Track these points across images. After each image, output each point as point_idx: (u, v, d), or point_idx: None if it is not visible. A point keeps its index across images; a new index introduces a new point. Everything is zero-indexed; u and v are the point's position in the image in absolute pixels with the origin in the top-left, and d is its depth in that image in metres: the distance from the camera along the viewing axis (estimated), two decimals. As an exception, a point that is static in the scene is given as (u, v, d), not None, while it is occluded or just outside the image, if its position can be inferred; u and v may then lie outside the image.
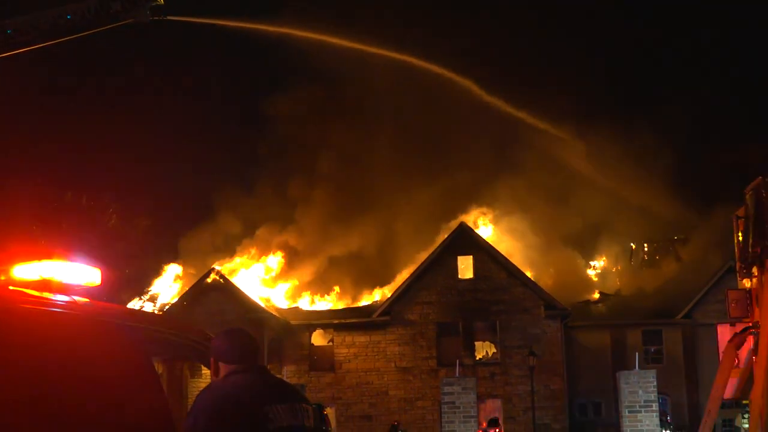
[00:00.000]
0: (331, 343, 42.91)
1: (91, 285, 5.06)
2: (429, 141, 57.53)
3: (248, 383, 4.59)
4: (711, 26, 70.48)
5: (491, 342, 42.31)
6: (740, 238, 18.95)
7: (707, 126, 60.49)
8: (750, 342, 18.20)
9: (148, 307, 38.99)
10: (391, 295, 43.46)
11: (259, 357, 4.85)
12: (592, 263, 58.67)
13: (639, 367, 19.23)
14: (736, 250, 19.51)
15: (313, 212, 54.13)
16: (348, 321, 42.84)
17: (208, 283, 42.43)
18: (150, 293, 41.45)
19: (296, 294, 49.74)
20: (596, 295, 50.38)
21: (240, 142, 74.65)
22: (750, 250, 17.96)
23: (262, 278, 49.82)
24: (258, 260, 50.72)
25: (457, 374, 20.49)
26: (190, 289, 43.07)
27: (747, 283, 18.91)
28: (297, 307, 46.87)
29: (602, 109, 62.87)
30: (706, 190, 54.50)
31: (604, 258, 59.08)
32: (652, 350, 43.72)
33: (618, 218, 56.70)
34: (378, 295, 48.99)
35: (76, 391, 4.51)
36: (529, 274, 44.19)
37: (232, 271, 47.52)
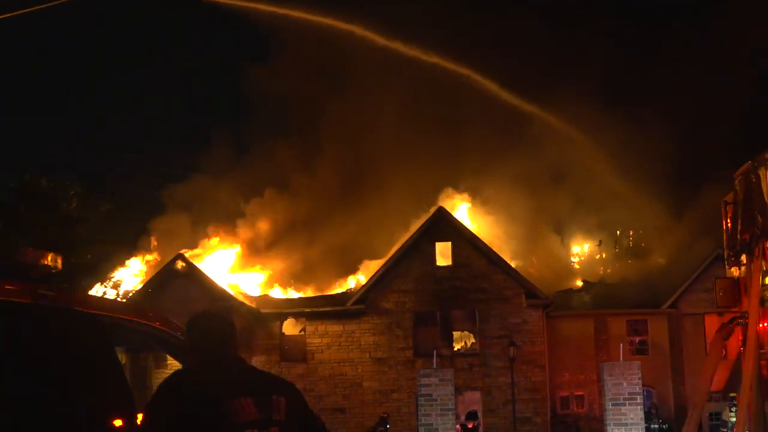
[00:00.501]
0: (302, 333, 42.88)
1: (51, 271, 5.03)
2: (420, 126, 57.79)
3: (213, 373, 4.49)
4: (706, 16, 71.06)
5: (470, 332, 42.43)
6: (729, 225, 19.01)
7: (696, 110, 60.75)
8: (738, 333, 18.31)
9: (111, 294, 38.80)
10: (366, 283, 43.45)
11: (231, 344, 4.71)
12: (575, 250, 58.93)
13: (623, 358, 19.30)
14: (724, 237, 19.58)
15: (293, 196, 54.24)
16: (321, 309, 42.81)
17: (174, 269, 42.31)
18: (113, 280, 41.27)
19: (270, 282, 49.72)
20: (579, 284, 50.62)
21: (222, 123, 74.96)
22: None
23: (233, 265, 49.73)
24: (229, 246, 50.62)
25: (434, 365, 20.52)
26: (156, 275, 42.94)
27: (735, 272, 19.01)
28: (267, 295, 46.83)
29: (593, 94, 63.20)
30: (693, 175, 54.83)
31: (588, 245, 59.34)
32: (637, 341, 44.00)
33: (604, 204, 57.00)
34: (353, 282, 49.03)
35: (35, 381, 4.48)
36: (510, 261, 44.30)
37: (199, 257, 47.40)
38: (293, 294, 48.38)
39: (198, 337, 4.66)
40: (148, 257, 49.14)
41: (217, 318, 4.77)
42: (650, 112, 57.57)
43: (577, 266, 56.32)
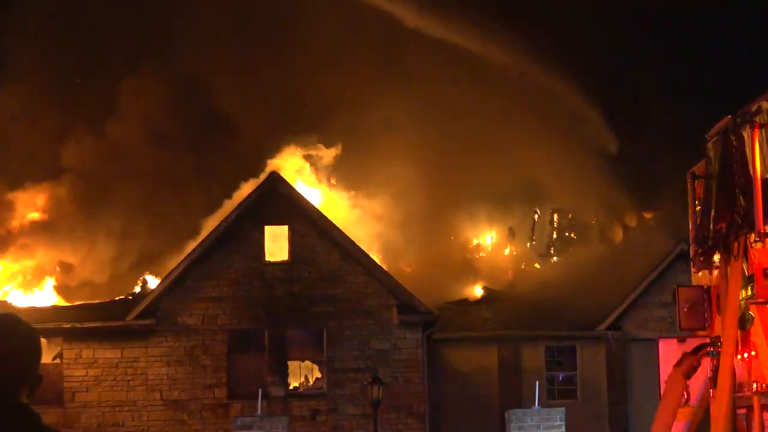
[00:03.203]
0: (58, 360, 42.37)
1: None
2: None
3: None
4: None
5: (314, 362, 42.60)
6: (697, 209, 19.36)
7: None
8: (706, 367, 18.71)
9: None
10: (158, 286, 43.18)
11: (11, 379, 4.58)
12: (475, 242, 59.60)
13: (540, 404, 19.63)
14: (690, 226, 19.95)
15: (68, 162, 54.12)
16: (87, 325, 42.32)
17: None
18: None
19: (10, 280, 49.22)
20: (479, 293, 51.22)
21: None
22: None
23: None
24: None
25: (258, 412, 20.56)
26: None
27: (704, 278, 19.38)
28: (5, 302, 46.18)
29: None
30: (652, 141, 56.18)
31: (494, 234, 60.08)
32: (561, 377, 44.84)
33: (515, 177, 57.88)
34: (145, 285, 48.87)
35: None
36: (376, 257, 44.57)
37: None
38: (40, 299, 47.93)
39: None
40: None
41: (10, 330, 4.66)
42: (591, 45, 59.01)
43: (478, 267, 57.00)
